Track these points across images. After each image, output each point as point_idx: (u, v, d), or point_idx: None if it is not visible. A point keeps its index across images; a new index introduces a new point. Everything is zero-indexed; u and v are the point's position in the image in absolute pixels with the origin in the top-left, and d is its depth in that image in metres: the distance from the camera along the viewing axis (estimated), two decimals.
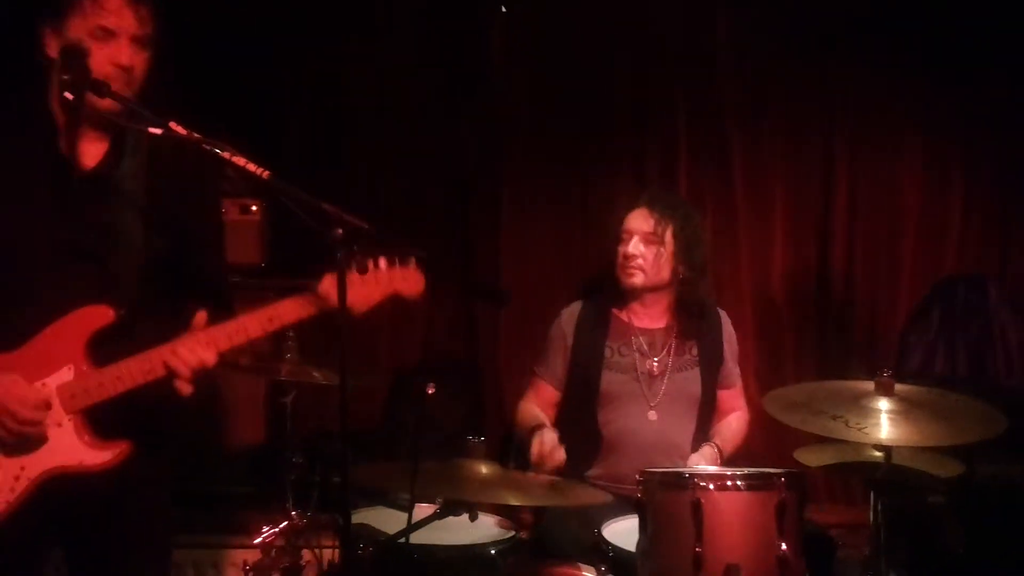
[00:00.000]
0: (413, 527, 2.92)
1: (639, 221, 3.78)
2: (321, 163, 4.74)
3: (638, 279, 3.75)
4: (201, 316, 2.50)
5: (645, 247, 3.74)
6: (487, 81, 4.88)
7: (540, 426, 3.64)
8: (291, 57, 4.80)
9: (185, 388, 2.46)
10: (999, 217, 5.13)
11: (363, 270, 2.56)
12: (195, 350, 2.46)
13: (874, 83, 4.99)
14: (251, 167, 2.43)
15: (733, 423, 3.88)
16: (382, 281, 2.59)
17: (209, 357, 2.47)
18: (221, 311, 2.55)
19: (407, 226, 4.66)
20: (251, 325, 2.53)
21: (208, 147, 2.42)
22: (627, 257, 3.74)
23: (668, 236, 3.74)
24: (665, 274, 3.76)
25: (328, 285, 2.52)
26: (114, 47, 2.44)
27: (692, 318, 3.80)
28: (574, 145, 4.92)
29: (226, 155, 2.42)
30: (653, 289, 3.78)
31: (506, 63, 4.90)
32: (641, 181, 4.86)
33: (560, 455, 3.51)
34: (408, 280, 2.66)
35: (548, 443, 3.52)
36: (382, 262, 2.57)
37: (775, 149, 5.04)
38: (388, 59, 4.84)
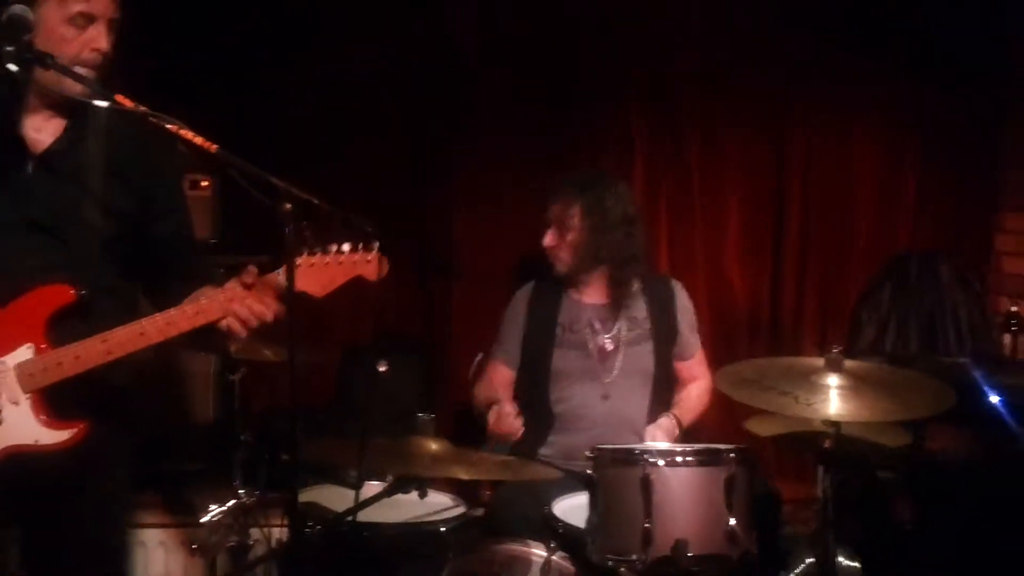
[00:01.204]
0: (362, 505, 2.91)
1: (555, 210, 3.81)
2: (276, 139, 4.68)
3: (559, 266, 3.81)
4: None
5: (557, 235, 3.77)
6: (446, 62, 4.84)
7: (497, 401, 3.64)
8: (249, 32, 4.72)
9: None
10: (952, 195, 5.16)
11: (312, 250, 2.53)
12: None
13: (830, 61, 5.00)
14: (199, 140, 2.39)
15: (693, 392, 3.88)
16: (345, 264, 2.56)
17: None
18: (195, 283, 2.54)
19: (361, 204, 4.60)
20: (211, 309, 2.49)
21: (155, 120, 2.39)
22: (545, 248, 3.78)
23: (576, 219, 3.76)
24: (582, 255, 3.77)
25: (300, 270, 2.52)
26: (93, 32, 2.43)
27: (624, 294, 3.80)
28: (531, 126, 4.88)
29: (174, 128, 2.39)
30: (585, 271, 3.80)
31: (466, 46, 4.85)
32: (595, 162, 4.84)
33: (517, 424, 3.51)
34: (371, 264, 2.64)
35: (506, 413, 3.52)
36: (345, 246, 2.54)
37: (731, 128, 5.04)
38: (349, 39, 4.77)
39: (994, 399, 3.54)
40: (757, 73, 4.99)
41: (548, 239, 3.80)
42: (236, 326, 2.48)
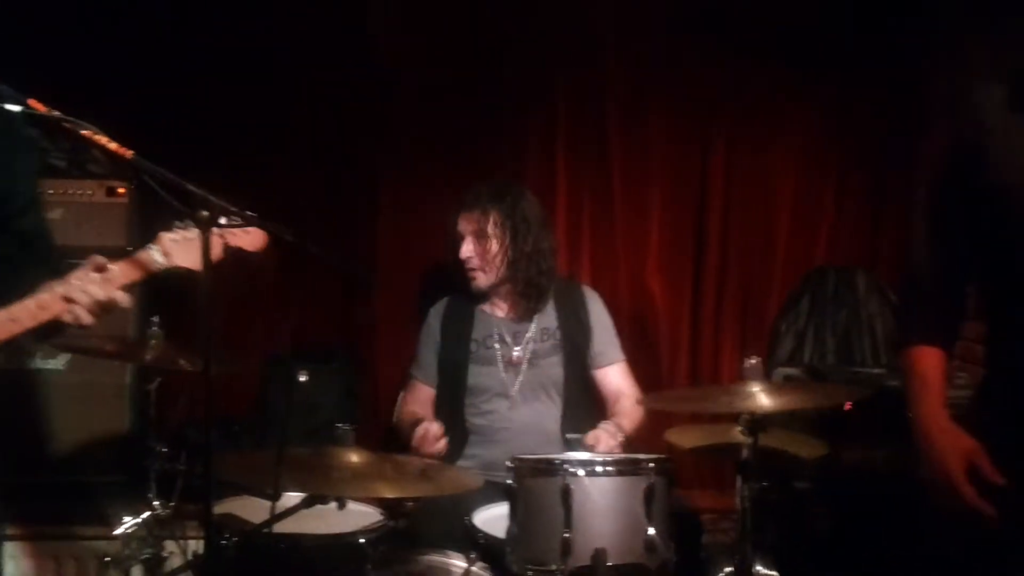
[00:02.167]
0: (279, 516, 2.86)
1: (465, 221, 3.79)
2: (193, 147, 4.61)
3: (480, 281, 3.78)
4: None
5: (475, 246, 3.75)
6: (367, 69, 4.81)
7: (421, 420, 3.63)
8: (167, 37, 4.65)
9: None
10: (871, 210, 5.23)
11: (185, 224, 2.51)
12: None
13: (754, 73, 5.04)
14: (113, 146, 2.36)
15: (626, 404, 3.87)
16: (223, 236, 2.53)
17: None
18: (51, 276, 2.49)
19: (282, 212, 4.55)
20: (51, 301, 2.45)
21: (69, 126, 2.35)
22: (462, 261, 3.76)
23: (492, 228, 3.75)
24: (500, 266, 3.77)
25: (167, 246, 2.52)
26: None
27: (536, 303, 3.81)
28: (453, 134, 4.87)
29: (88, 133, 2.35)
30: (498, 284, 3.79)
31: (388, 51, 4.83)
32: (519, 169, 4.84)
33: (442, 444, 3.51)
34: (249, 235, 2.62)
35: (433, 433, 3.50)
36: (221, 219, 2.51)
37: (653, 137, 5.06)
38: (269, 44, 4.72)
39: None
40: (681, 83, 5.02)
41: (466, 250, 3.77)
42: (77, 311, 2.43)
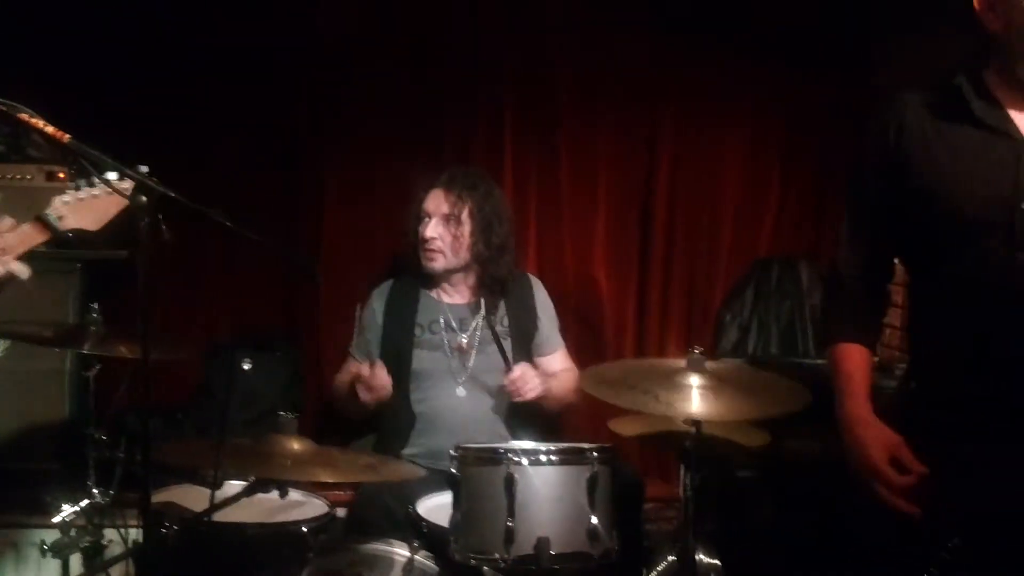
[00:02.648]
0: (220, 505, 2.84)
1: (437, 202, 3.76)
2: (136, 131, 4.55)
3: (438, 263, 3.75)
4: None
5: (443, 228, 3.73)
6: (314, 55, 4.77)
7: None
8: (112, 21, 4.58)
9: None
10: (815, 202, 5.27)
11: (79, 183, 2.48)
12: None
13: (702, 65, 5.06)
14: (50, 129, 2.33)
15: (563, 376, 3.90)
16: (117, 195, 2.50)
17: None
18: None
19: (226, 198, 4.50)
20: None
21: (4, 108, 2.31)
22: (425, 240, 3.73)
23: (466, 216, 3.74)
24: (465, 254, 3.75)
25: (60, 210, 2.49)
26: None
27: (495, 294, 3.81)
28: (400, 120, 4.84)
29: (24, 117, 2.32)
30: (455, 270, 3.77)
31: (334, 37, 4.79)
32: (465, 158, 4.83)
33: (388, 380, 3.51)
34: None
35: (377, 372, 3.50)
36: (113, 174, 2.48)
37: (601, 128, 5.06)
38: (213, 27, 4.66)
39: None
40: (628, 74, 5.03)
41: (432, 230, 3.73)
42: None
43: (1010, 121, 2.31)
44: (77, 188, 2.49)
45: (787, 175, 5.24)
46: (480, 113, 4.92)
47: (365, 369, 3.59)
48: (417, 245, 3.78)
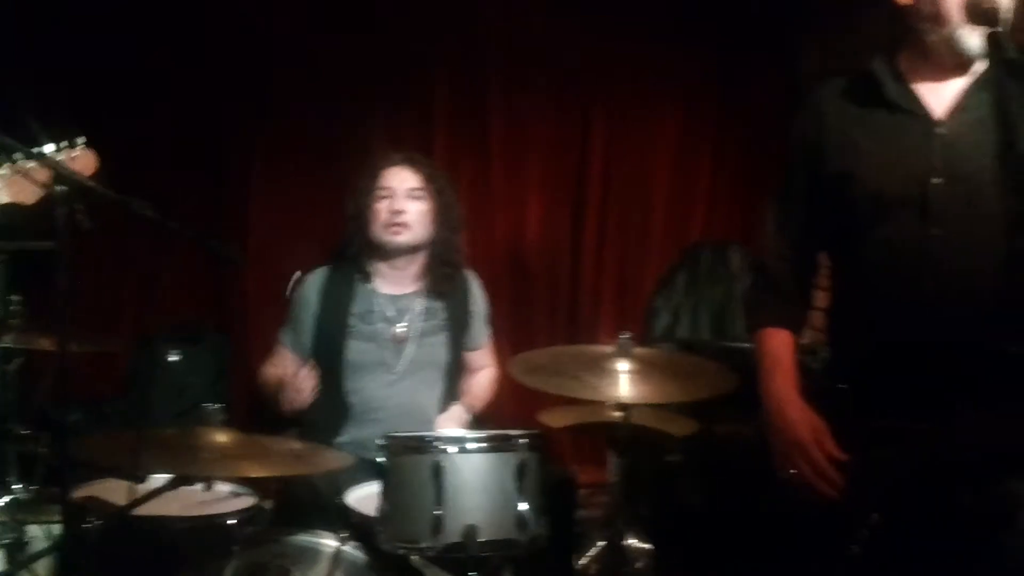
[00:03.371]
0: (144, 498, 2.80)
1: (402, 178, 3.69)
2: (63, 115, 4.46)
3: (405, 236, 3.67)
4: None
5: (411, 203, 3.68)
6: (240, 38, 4.71)
7: (287, 376, 3.57)
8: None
9: None
10: (745, 186, 5.32)
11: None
12: None
13: (633, 46, 5.07)
14: None
15: (482, 380, 3.89)
16: (49, 166, 2.46)
17: None
18: None
19: (153, 189, 4.44)
20: None
21: None
22: (395, 212, 3.65)
23: (433, 192, 3.71)
24: (428, 232, 3.71)
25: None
26: None
27: (442, 281, 3.77)
28: (328, 107, 4.80)
29: None
30: (415, 248, 3.72)
31: (261, 20, 4.73)
32: (396, 139, 4.78)
33: (311, 386, 3.47)
34: (77, 160, 2.54)
35: (302, 378, 3.47)
36: (48, 147, 2.43)
37: (533, 114, 5.07)
38: (143, 14, 4.58)
39: None
40: (560, 57, 5.03)
41: (399, 203, 3.65)
42: None
43: (920, 102, 2.38)
44: (12, 161, 2.42)
45: (718, 161, 5.28)
46: (410, 100, 4.89)
47: (290, 374, 3.52)
48: (370, 222, 3.71)
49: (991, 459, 2.20)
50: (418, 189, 3.68)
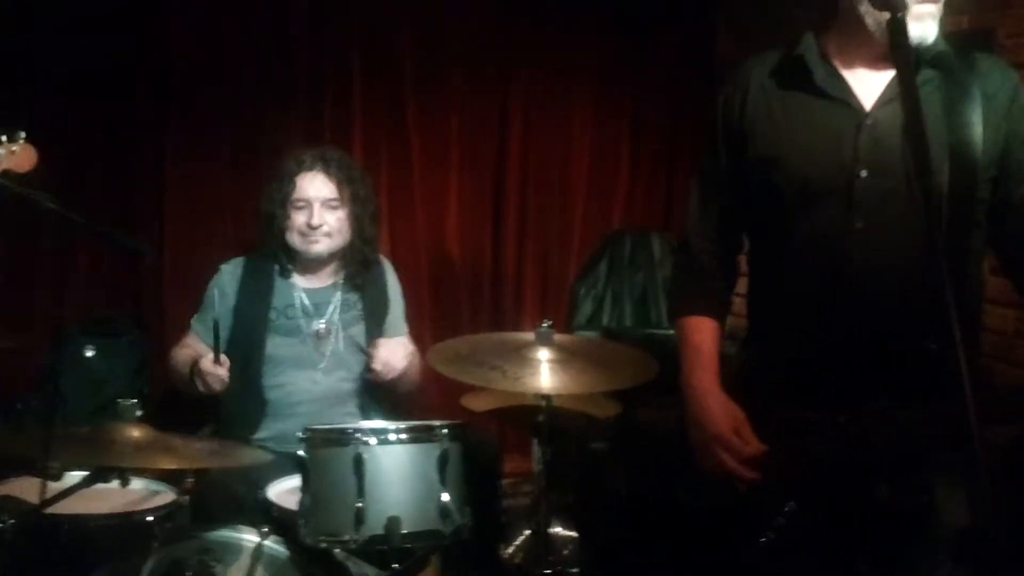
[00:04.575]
0: (60, 496, 2.75)
1: (317, 186, 3.64)
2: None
3: (323, 246, 3.64)
4: None
5: (329, 213, 3.64)
6: (157, 29, 4.61)
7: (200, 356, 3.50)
8: None
9: None
10: (666, 172, 5.35)
11: None
12: None
13: (548, 35, 5.07)
14: None
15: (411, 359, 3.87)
16: None
17: None
18: None
19: (68, 182, 4.36)
20: None
21: None
22: (313, 227, 3.62)
23: (347, 198, 3.66)
24: (346, 236, 3.68)
25: None
26: None
27: (358, 274, 3.75)
28: (244, 101, 4.73)
29: None
30: (332, 253, 3.70)
31: (172, 13, 4.64)
32: (314, 132, 4.75)
33: (226, 376, 3.42)
34: (17, 155, 2.49)
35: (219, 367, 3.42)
36: None
37: (451, 103, 5.04)
38: (56, 9, 4.47)
39: None
40: (477, 45, 5.01)
41: (317, 217, 3.62)
42: None
43: (850, 90, 2.33)
44: None
45: (637, 147, 5.30)
46: (327, 89, 4.84)
47: (206, 363, 3.46)
48: (286, 230, 3.67)
49: (907, 453, 2.20)
50: (334, 199, 3.64)
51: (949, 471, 2.15)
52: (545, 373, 3.03)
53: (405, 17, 4.91)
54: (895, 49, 2.00)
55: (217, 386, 3.42)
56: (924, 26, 2.21)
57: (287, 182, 3.66)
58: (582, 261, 5.21)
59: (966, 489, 1.67)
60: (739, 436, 2.34)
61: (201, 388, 3.46)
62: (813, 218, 2.32)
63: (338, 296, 3.73)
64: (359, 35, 4.86)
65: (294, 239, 3.65)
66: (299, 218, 3.63)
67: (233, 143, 4.65)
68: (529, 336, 3.17)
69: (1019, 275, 2.35)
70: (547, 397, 3.13)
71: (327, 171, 3.65)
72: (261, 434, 3.61)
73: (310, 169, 3.66)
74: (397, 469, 2.80)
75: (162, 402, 4.28)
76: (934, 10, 2.23)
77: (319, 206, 3.62)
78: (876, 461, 2.22)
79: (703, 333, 2.53)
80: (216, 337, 3.40)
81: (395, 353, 3.59)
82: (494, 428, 4.69)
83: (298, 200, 3.64)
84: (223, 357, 3.43)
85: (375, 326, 3.76)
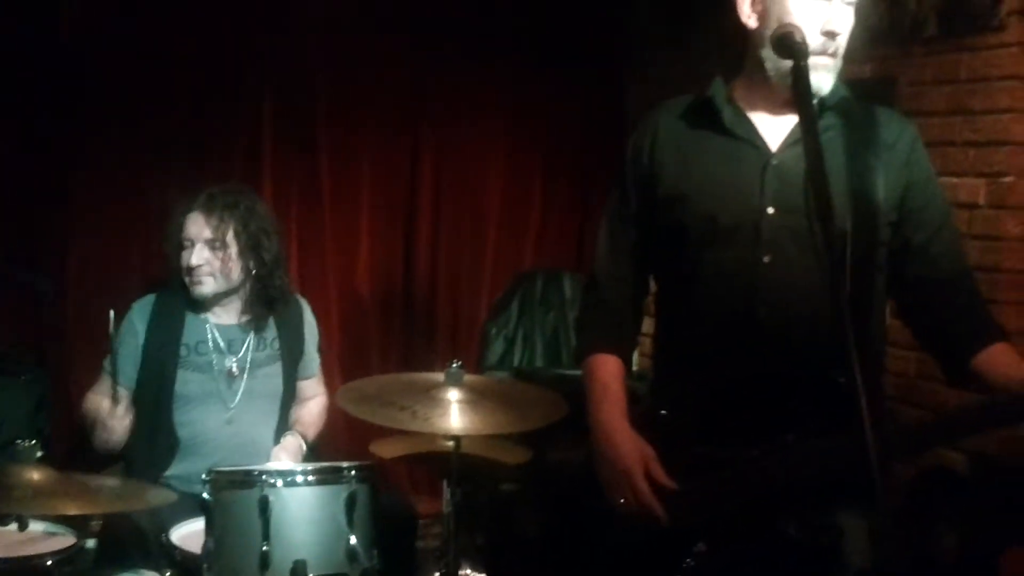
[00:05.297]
0: None
1: (198, 227, 3.60)
2: None
3: (207, 287, 3.59)
4: None
5: (209, 253, 3.59)
6: (58, 67, 4.53)
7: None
8: None
9: None
10: (577, 213, 5.39)
11: None
12: None
13: (459, 72, 5.09)
14: None
15: (313, 408, 3.83)
16: None
17: None
18: None
19: None
20: None
21: None
22: (192, 268, 3.58)
23: (230, 238, 3.61)
24: (235, 275, 3.63)
25: None
26: None
27: (268, 312, 3.71)
28: (153, 133, 4.66)
29: None
30: (226, 292, 3.65)
31: (80, 46, 4.55)
32: (224, 171, 4.69)
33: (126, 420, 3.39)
34: None
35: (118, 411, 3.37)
36: None
37: (363, 139, 5.03)
38: None
39: None
40: (388, 87, 5.01)
41: (197, 258, 3.57)
42: None
43: (757, 132, 2.39)
44: None
45: (549, 188, 5.34)
46: (239, 126, 4.80)
47: (106, 409, 3.41)
48: (180, 270, 3.63)
49: (817, 489, 2.21)
50: (213, 240, 3.59)
51: (855, 508, 2.19)
52: (455, 414, 3.02)
53: (315, 59, 4.89)
54: (797, 96, 2.04)
55: (118, 436, 3.37)
56: (819, 77, 2.27)
57: (176, 222, 3.64)
58: (493, 301, 5.22)
59: (869, 529, 1.69)
60: (649, 472, 2.34)
61: (98, 444, 3.41)
62: (721, 254, 2.36)
63: (251, 335, 3.68)
64: (269, 75, 4.83)
65: (184, 278, 3.62)
66: (184, 257, 3.59)
67: (137, 184, 4.57)
68: (439, 376, 3.16)
69: (915, 318, 2.41)
70: (456, 438, 3.11)
71: (208, 210, 3.59)
72: (169, 473, 3.54)
73: (193, 209, 3.62)
74: (304, 512, 2.77)
75: (65, 442, 4.19)
76: (831, 64, 2.30)
77: (199, 246, 3.57)
78: (786, 496, 2.23)
79: (610, 370, 2.54)
80: (114, 375, 3.36)
81: (295, 456, 3.59)
82: (403, 470, 4.67)
83: (184, 239, 3.60)
84: (120, 391, 3.38)
85: (290, 367, 3.72)
